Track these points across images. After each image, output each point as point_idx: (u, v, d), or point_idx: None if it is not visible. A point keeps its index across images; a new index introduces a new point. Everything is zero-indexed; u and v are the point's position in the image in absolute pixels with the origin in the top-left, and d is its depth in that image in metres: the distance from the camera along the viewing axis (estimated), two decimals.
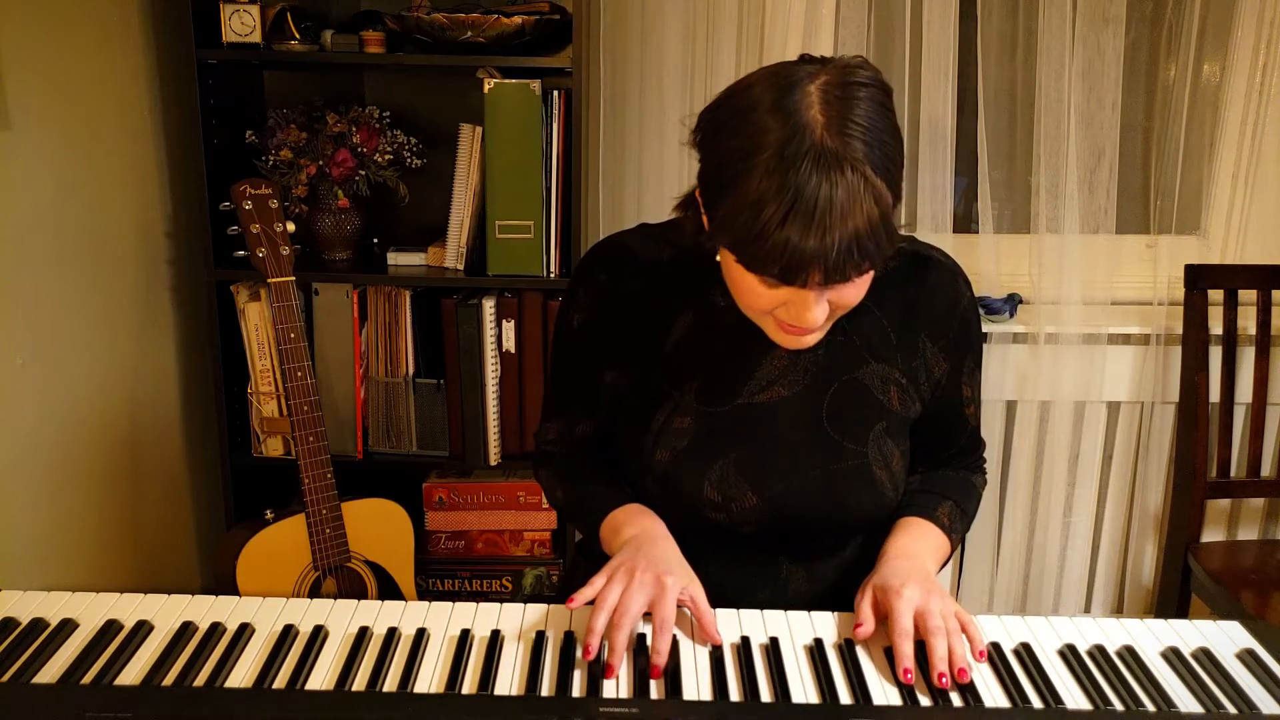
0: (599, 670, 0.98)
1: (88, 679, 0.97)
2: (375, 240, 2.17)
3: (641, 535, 1.12)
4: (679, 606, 1.04)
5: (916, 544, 1.15)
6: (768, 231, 0.92)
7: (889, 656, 1.03)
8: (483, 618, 1.08)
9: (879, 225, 0.93)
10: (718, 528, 1.17)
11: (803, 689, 0.98)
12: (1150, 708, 0.96)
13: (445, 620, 1.07)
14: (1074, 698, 0.97)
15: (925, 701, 0.96)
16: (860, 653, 1.03)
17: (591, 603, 1.02)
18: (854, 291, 1.01)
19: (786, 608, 1.15)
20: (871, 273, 1.00)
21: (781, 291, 1.00)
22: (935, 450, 1.27)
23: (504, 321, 2.05)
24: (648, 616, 1.03)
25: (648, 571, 1.04)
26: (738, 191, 0.94)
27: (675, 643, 1.03)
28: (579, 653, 1.01)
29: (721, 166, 0.97)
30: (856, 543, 1.24)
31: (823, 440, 1.16)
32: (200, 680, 0.97)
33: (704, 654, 1.03)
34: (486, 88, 1.92)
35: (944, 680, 0.97)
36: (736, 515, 1.16)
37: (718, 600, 1.09)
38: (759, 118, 0.94)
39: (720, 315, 1.15)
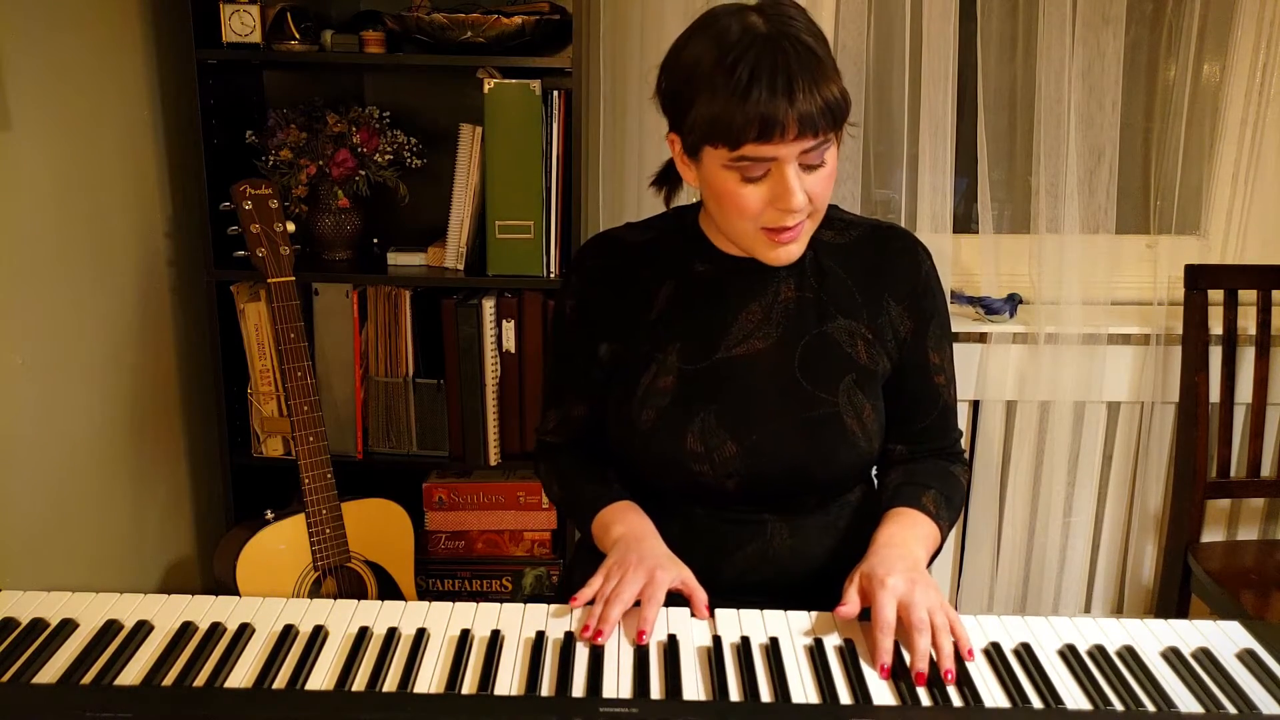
0: (598, 667, 0.99)
1: (88, 679, 0.97)
2: (375, 240, 2.17)
3: (629, 534, 1.18)
4: (674, 594, 1.10)
5: (904, 532, 1.18)
6: (737, 93, 1.04)
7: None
8: (483, 618, 1.08)
9: (832, 80, 1.06)
10: (702, 484, 1.22)
11: (803, 689, 0.98)
12: (1150, 708, 0.96)
13: (445, 620, 1.07)
14: (1074, 698, 0.97)
15: (926, 701, 0.96)
16: (860, 653, 1.03)
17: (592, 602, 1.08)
18: (821, 181, 1.11)
19: (773, 563, 1.24)
20: (832, 162, 1.11)
21: (764, 185, 1.09)
22: (910, 422, 1.30)
23: (504, 321, 2.05)
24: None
25: (639, 567, 1.10)
26: (704, 86, 1.07)
27: (675, 643, 1.04)
28: (579, 650, 1.02)
29: (682, 81, 1.11)
30: (839, 507, 1.28)
31: (796, 390, 1.22)
32: (200, 680, 0.97)
33: (704, 654, 1.03)
34: (486, 88, 1.92)
35: (922, 679, 0.98)
36: (718, 466, 1.21)
37: (706, 555, 1.19)
38: (705, 36, 1.09)
39: (699, 280, 1.25)
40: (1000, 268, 2.22)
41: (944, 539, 1.24)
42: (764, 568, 1.24)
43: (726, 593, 1.21)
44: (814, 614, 1.10)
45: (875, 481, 1.37)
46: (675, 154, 1.18)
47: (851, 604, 1.07)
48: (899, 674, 1.00)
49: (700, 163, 1.13)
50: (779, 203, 1.10)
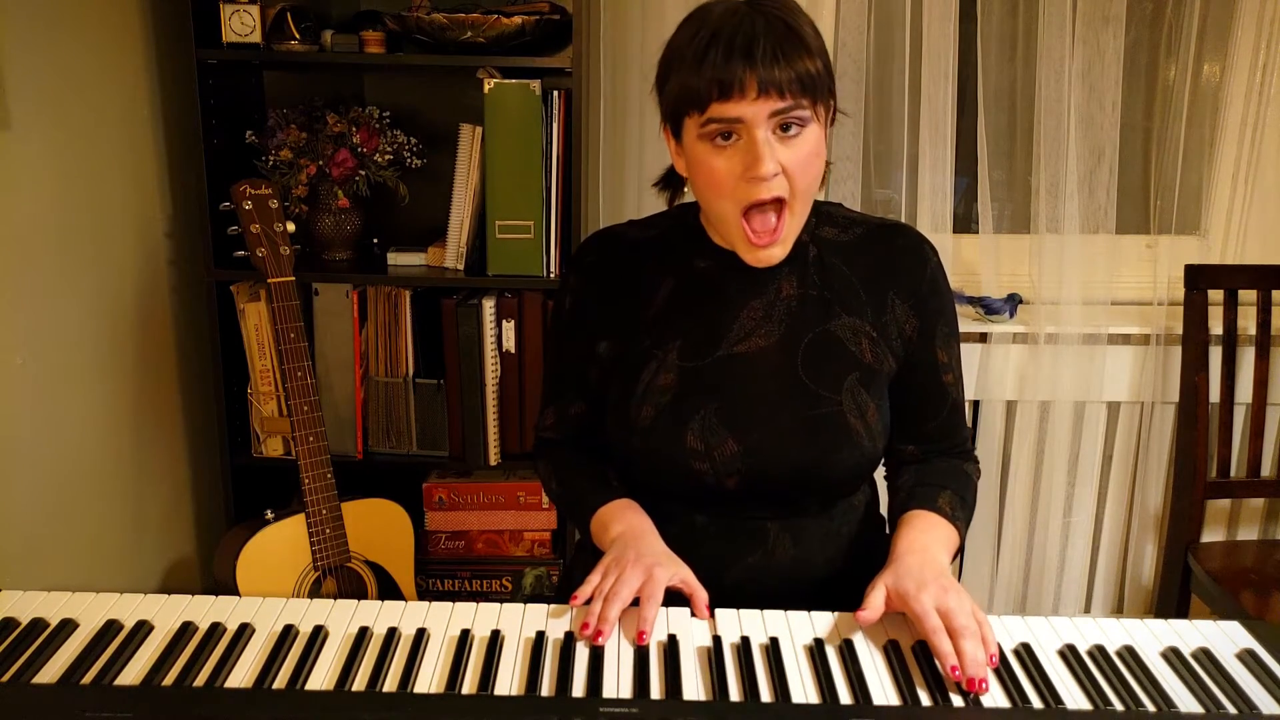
0: (598, 667, 0.99)
1: (88, 679, 0.97)
2: (375, 240, 2.17)
3: (628, 532, 1.18)
4: (674, 593, 1.10)
5: (924, 536, 1.17)
6: (697, 57, 1.07)
7: (888, 656, 1.03)
8: (483, 618, 1.08)
9: (805, 54, 1.06)
10: (703, 484, 1.21)
11: (803, 689, 0.98)
12: (1150, 708, 0.96)
13: (445, 620, 1.07)
14: (1074, 698, 0.97)
15: (925, 701, 0.96)
16: (860, 653, 1.03)
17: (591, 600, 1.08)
18: (801, 158, 1.09)
19: (776, 573, 1.22)
20: (813, 140, 1.09)
21: (736, 155, 1.09)
22: (919, 422, 1.28)
23: (504, 321, 2.05)
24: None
25: (638, 564, 1.09)
26: (675, 60, 1.11)
27: (675, 643, 1.04)
28: (579, 650, 1.02)
29: (663, 62, 1.14)
30: (843, 511, 1.27)
31: (798, 389, 1.21)
32: (200, 680, 0.97)
33: (704, 654, 1.03)
34: (486, 88, 1.92)
35: (975, 685, 0.97)
36: (719, 464, 1.20)
37: (710, 566, 1.16)
38: (689, 23, 1.12)
39: (700, 276, 1.24)
40: (1000, 268, 2.22)
41: (962, 539, 1.23)
42: (766, 579, 1.23)
43: (727, 604, 1.20)
44: (814, 614, 1.10)
45: (882, 484, 1.36)
46: (668, 144, 1.18)
47: (873, 609, 1.05)
48: (931, 680, 0.99)
49: (683, 145, 1.14)
50: (750, 170, 1.08)
